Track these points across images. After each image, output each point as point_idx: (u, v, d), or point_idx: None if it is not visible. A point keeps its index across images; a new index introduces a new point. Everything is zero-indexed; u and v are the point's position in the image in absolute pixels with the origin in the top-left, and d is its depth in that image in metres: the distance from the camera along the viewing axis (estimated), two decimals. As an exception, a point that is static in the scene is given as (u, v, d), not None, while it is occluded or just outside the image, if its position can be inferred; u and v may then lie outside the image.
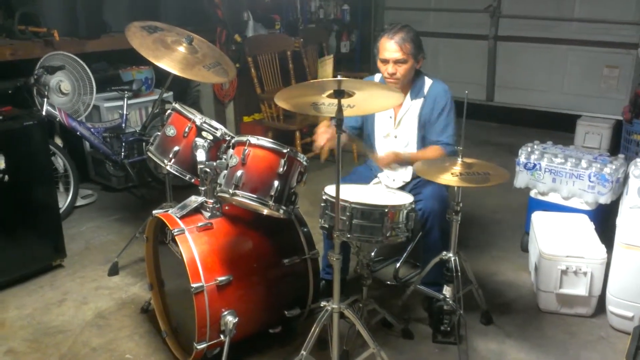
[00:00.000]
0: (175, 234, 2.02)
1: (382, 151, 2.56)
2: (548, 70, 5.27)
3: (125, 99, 3.76)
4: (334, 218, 1.86)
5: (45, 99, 3.36)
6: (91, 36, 3.83)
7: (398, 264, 2.88)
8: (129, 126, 3.81)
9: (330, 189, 2.06)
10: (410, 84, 2.52)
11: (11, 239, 2.75)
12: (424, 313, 2.56)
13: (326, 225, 2.06)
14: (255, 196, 1.95)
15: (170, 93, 4.16)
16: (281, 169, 1.96)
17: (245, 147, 1.97)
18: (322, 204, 2.07)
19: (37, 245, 2.88)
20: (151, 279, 2.41)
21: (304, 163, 2.06)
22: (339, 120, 1.73)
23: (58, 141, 3.59)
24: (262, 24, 4.90)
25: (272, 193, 1.95)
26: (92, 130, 3.62)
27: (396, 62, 2.39)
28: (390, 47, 2.38)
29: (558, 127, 5.18)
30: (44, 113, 3.31)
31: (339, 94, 1.69)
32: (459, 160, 2.14)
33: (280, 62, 4.56)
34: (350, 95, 1.71)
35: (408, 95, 2.52)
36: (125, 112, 3.75)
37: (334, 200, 1.85)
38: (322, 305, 1.96)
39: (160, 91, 3.14)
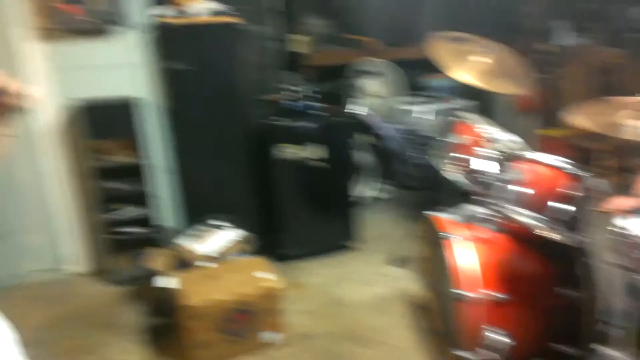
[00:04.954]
0: (443, 237, 2.09)
1: None
2: None
3: (430, 105, 3.99)
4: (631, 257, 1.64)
5: (360, 100, 3.84)
6: (405, 44, 4.18)
7: None
8: (431, 131, 4.03)
9: (626, 222, 1.82)
10: None
11: (320, 218, 3.28)
12: None
13: (621, 264, 1.82)
14: (536, 216, 1.88)
15: (473, 102, 4.23)
16: (569, 192, 1.83)
17: (531, 164, 1.91)
18: (614, 237, 1.85)
19: (337, 227, 3.36)
20: (426, 277, 2.55)
21: (600, 189, 1.87)
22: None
23: (367, 139, 4.04)
24: (576, 33, 4.49)
25: (556, 215, 1.84)
26: (398, 131, 3.97)
27: None
28: None
29: None
30: (358, 112, 3.79)
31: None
32: None
33: (593, 75, 4.11)
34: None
35: None
36: (429, 117, 3.99)
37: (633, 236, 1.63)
38: (604, 351, 1.75)
39: (462, 100, 3.24)
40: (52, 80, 2.89)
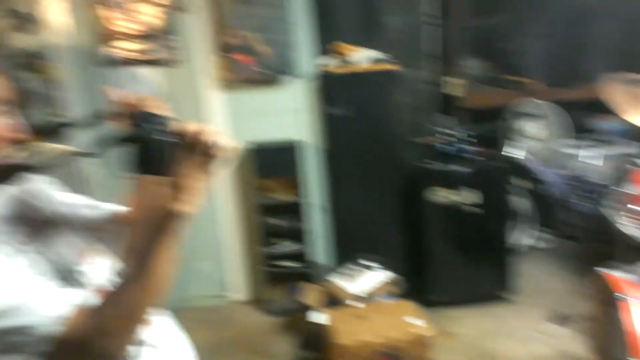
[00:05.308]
0: (620, 298, 1.89)
1: None
2: None
3: (599, 149, 3.68)
4: None
5: (519, 143, 3.67)
6: (570, 85, 3.93)
7: None
8: (599, 177, 3.70)
9: None
10: None
11: (472, 265, 3.17)
12: None
13: None
14: None
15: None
16: None
17: None
18: None
19: (490, 275, 3.20)
20: (595, 340, 2.32)
21: None
22: None
23: (526, 184, 3.83)
24: None
25: None
26: (560, 176, 3.71)
27: None
28: None
29: None
30: (516, 156, 3.62)
31: None
32: None
33: None
34: None
35: None
36: (597, 162, 3.67)
37: None
38: None
39: (636, 144, 2.95)
40: (228, 125, 3.22)
